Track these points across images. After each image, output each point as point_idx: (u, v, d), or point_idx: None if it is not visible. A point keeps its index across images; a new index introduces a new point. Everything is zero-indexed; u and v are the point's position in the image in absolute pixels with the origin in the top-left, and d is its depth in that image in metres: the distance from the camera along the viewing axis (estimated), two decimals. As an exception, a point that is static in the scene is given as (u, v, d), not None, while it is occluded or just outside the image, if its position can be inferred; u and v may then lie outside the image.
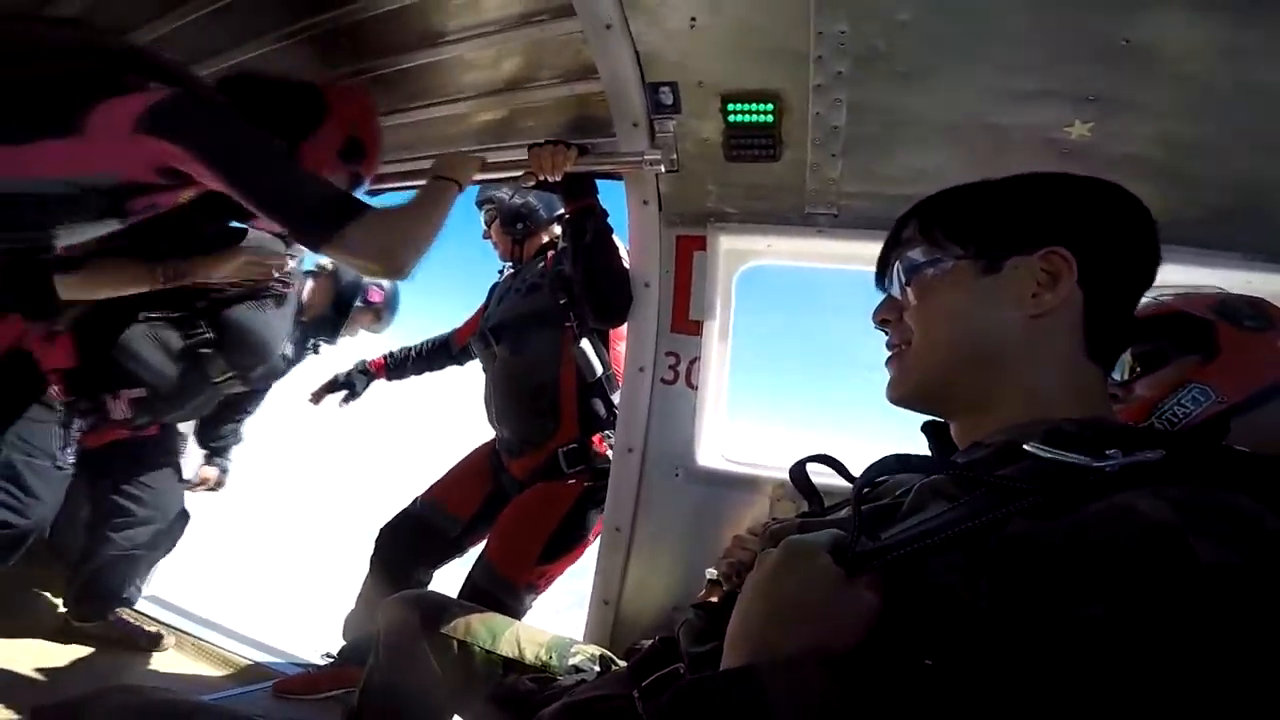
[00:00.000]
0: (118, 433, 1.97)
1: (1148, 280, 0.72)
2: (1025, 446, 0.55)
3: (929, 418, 0.79)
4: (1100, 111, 1.25)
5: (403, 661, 1.20)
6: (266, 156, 1.14)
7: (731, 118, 1.51)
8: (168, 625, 2.22)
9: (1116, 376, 1.17)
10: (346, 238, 1.12)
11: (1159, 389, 1.06)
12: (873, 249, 1.61)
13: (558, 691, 1.06)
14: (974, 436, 0.69)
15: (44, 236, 1.20)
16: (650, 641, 0.96)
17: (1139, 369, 1.14)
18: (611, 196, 1.86)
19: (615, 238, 1.88)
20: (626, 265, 1.88)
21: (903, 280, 0.76)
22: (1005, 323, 0.68)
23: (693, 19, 1.38)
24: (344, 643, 2.09)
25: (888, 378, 0.77)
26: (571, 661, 1.16)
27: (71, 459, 1.72)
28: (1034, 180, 0.74)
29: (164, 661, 2.08)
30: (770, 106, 1.47)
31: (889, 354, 0.78)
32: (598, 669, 1.15)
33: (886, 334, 0.78)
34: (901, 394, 0.75)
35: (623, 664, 1.14)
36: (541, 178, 1.70)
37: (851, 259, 1.72)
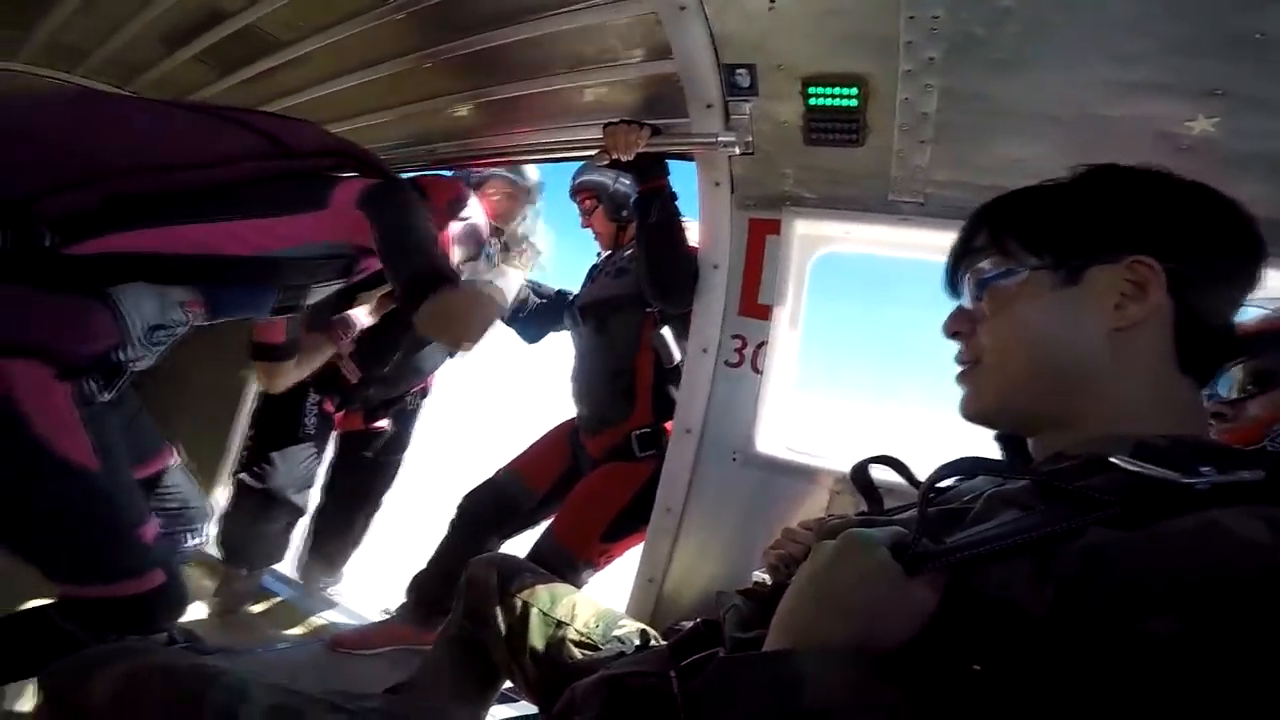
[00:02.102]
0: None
1: (1246, 290, 0.65)
2: (1112, 459, 0.52)
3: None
4: (1227, 107, 1.13)
5: (477, 617, 1.25)
6: (411, 223, 1.34)
7: (812, 100, 1.45)
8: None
9: (1224, 393, 1.08)
10: (427, 316, 1.28)
11: (1274, 410, 0.97)
12: (961, 240, 1.54)
13: (596, 663, 1.09)
14: (1056, 448, 0.64)
15: (304, 290, 1.52)
16: (691, 622, 0.96)
17: (1252, 387, 1.05)
18: (685, 177, 1.84)
19: (686, 220, 1.86)
20: (693, 249, 1.86)
21: (974, 292, 0.71)
22: (1086, 337, 0.63)
23: (771, 1, 1.33)
24: (403, 600, 2.18)
25: (961, 393, 0.72)
26: (615, 633, 1.18)
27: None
28: (1115, 179, 0.68)
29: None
30: (855, 90, 1.40)
31: (960, 369, 0.73)
32: (637, 643, 1.18)
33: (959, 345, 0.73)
34: (976, 413, 0.71)
35: (663, 642, 1.16)
36: (615, 156, 1.69)
37: (936, 249, 1.63)
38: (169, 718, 0.77)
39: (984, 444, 0.77)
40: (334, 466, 2.52)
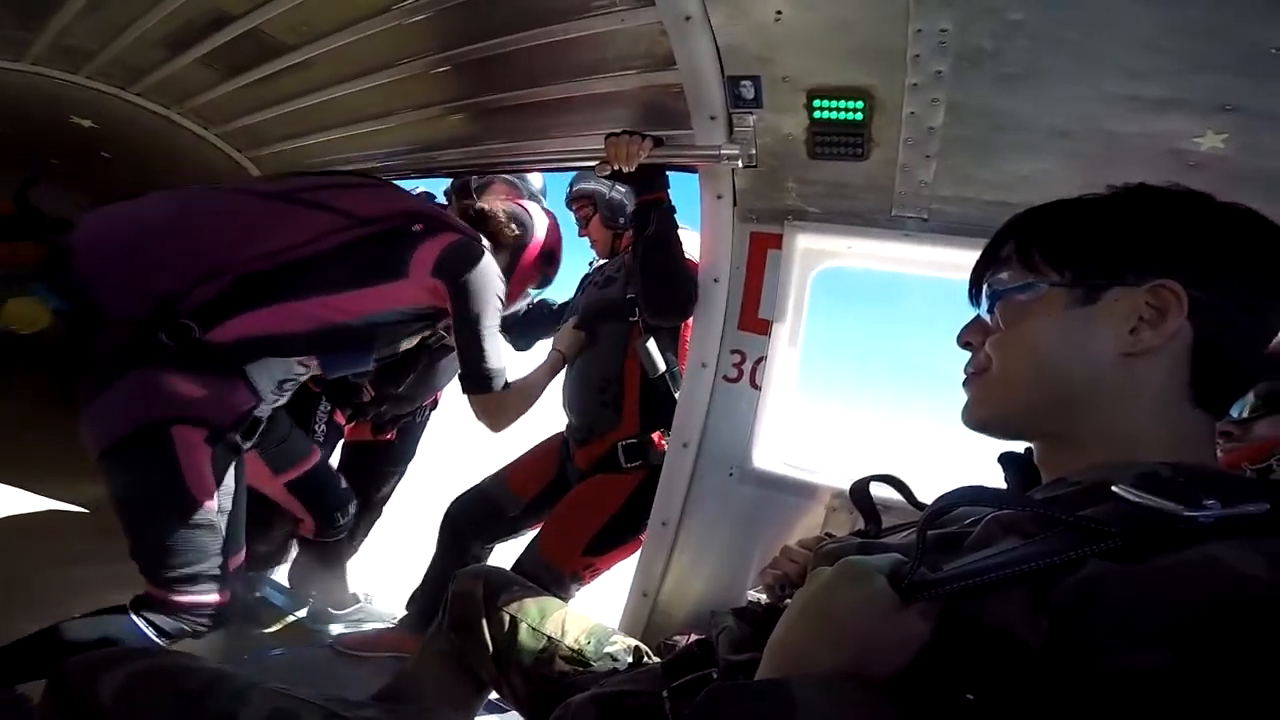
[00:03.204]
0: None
1: (1277, 323, 0.63)
2: (1114, 488, 0.51)
3: (1006, 446, 0.73)
4: (1237, 123, 1.12)
5: (462, 629, 1.24)
6: (482, 318, 1.59)
7: (817, 114, 1.44)
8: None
9: (1234, 413, 1.06)
10: (477, 401, 1.66)
11: None
12: (964, 256, 1.53)
13: (588, 680, 1.08)
14: (1059, 471, 0.63)
15: (391, 352, 1.80)
16: (685, 639, 0.96)
17: (1262, 407, 1.04)
18: (687, 189, 1.83)
19: (688, 231, 1.85)
20: (691, 264, 1.84)
21: (989, 304, 0.71)
22: (1094, 360, 0.62)
23: (778, 12, 1.32)
24: (405, 612, 2.20)
25: (965, 400, 0.72)
26: (607, 650, 1.17)
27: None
28: (1148, 199, 0.66)
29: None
30: (860, 104, 1.39)
31: (965, 375, 0.72)
32: (630, 660, 1.16)
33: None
34: (976, 421, 0.70)
35: (655, 659, 1.15)
36: (615, 167, 1.68)
37: (940, 265, 1.63)
38: (167, 715, 0.80)
39: (988, 459, 0.76)
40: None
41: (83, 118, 2.93)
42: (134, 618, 1.39)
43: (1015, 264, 0.68)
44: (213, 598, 1.44)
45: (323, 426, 2.33)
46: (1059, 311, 0.64)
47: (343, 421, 2.41)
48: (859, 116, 1.41)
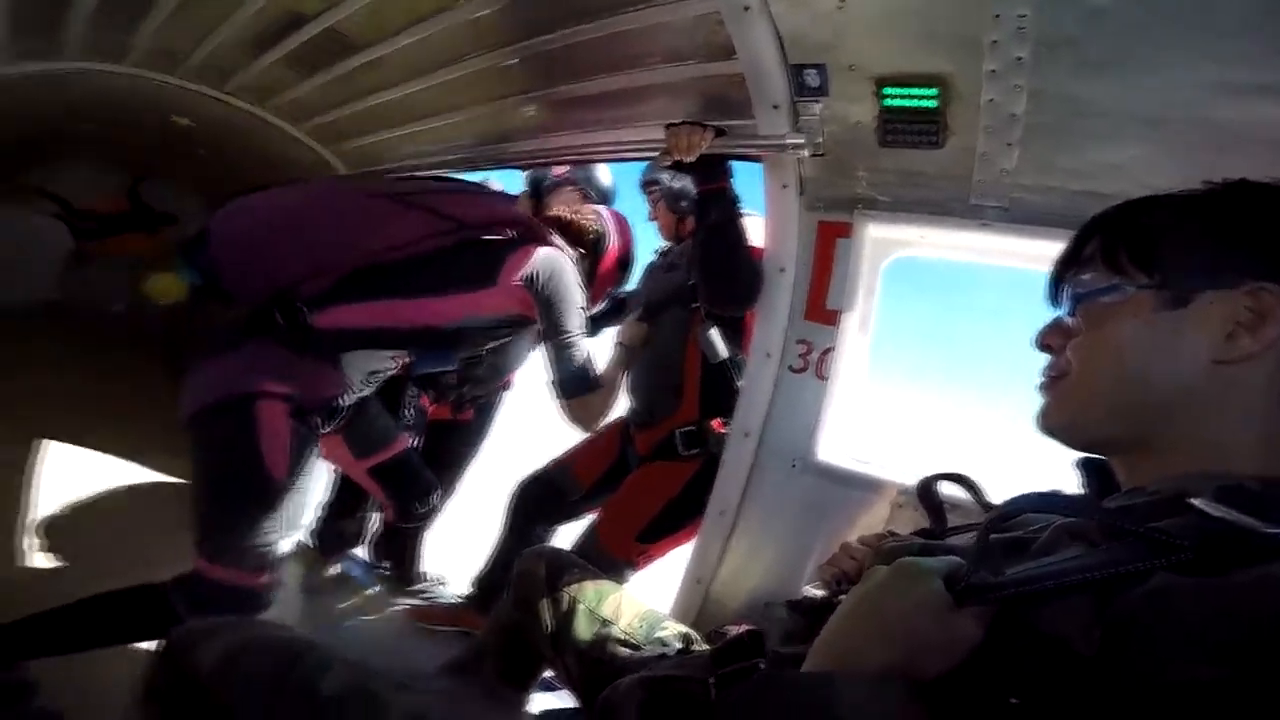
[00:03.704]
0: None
1: None
2: (1192, 501, 0.49)
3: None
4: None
5: (524, 607, 1.29)
6: (569, 326, 1.67)
7: (887, 101, 1.39)
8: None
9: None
10: (568, 405, 1.71)
11: None
12: (1047, 247, 1.46)
13: (637, 663, 1.11)
14: (1137, 480, 0.61)
15: (478, 354, 1.98)
16: (735, 629, 0.96)
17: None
18: (748, 178, 1.81)
19: (752, 219, 1.82)
20: (756, 250, 1.82)
21: (1072, 306, 0.68)
22: (1185, 367, 0.58)
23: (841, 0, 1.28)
24: (471, 590, 2.31)
25: (1040, 404, 0.69)
26: (657, 634, 1.20)
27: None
28: (1247, 196, 0.61)
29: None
30: (934, 91, 1.33)
31: (1043, 379, 0.69)
32: (679, 646, 1.18)
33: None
34: (1051, 427, 0.67)
35: (705, 646, 1.16)
36: (677, 158, 1.67)
37: (1021, 256, 1.56)
38: (260, 684, 0.85)
39: (1066, 461, 0.73)
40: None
41: (181, 117, 3.12)
42: (170, 597, 1.43)
43: (1100, 264, 0.65)
44: (255, 579, 1.48)
45: (411, 411, 2.44)
46: (1147, 315, 0.60)
47: (428, 404, 2.51)
48: (933, 104, 1.35)
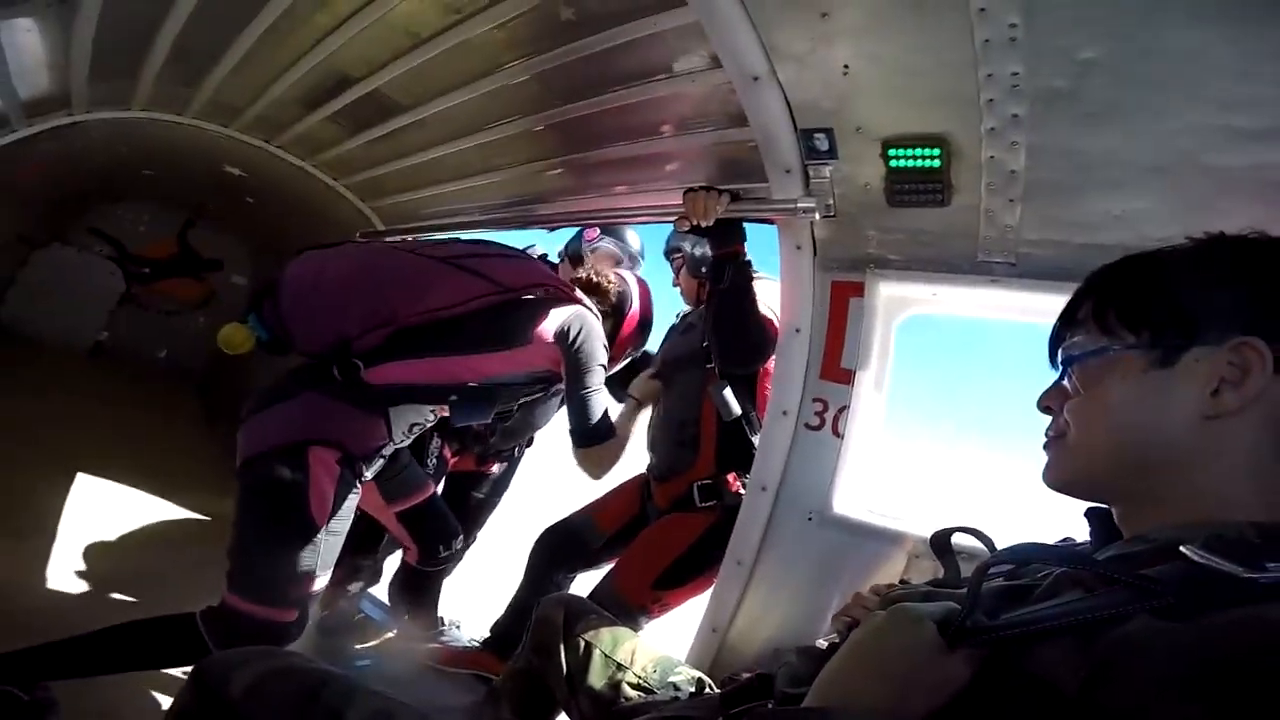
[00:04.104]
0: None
1: None
2: (1182, 549, 0.51)
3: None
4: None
5: (542, 651, 1.30)
6: (591, 380, 1.75)
7: (894, 163, 1.44)
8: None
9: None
10: (581, 453, 1.79)
11: None
12: (1057, 301, 1.46)
13: (650, 707, 1.12)
14: (1137, 528, 0.62)
15: (510, 408, 1.99)
16: (747, 675, 0.98)
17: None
18: (766, 239, 1.86)
19: (765, 282, 1.87)
20: (765, 316, 1.89)
21: (1064, 369, 0.70)
22: (1174, 424, 0.60)
23: (845, 66, 1.35)
24: (489, 635, 2.31)
25: (1045, 461, 0.71)
26: (671, 679, 1.21)
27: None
28: (1226, 250, 0.64)
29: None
30: (937, 151, 1.38)
31: (1046, 439, 0.72)
32: (692, 690, 1.19)
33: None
34: (1054, 484, 0.70)
35: (717, 691, 1.16)
36: (695, 222, 1.74)
37: (1031, 311, 1.56)
38: (287, 710, 0.87)
39: (1078, 509, 0.74)
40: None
41: (233, 166, 3.32)
42: (200, 627, 1.50)
43: (1091, 326, 0.67)
44: (284, 616, 1.55)
45: (434, 460, 2.50)
46: (1137, 375, 0.62)
47: (450, 455, 2.57)
48: (936, 163, 1.40)
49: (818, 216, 1.61)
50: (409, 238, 2.87)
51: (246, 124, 2.82)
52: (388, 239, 3.12)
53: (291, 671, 0.92)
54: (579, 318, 1.79)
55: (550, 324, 1.76)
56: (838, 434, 1.73)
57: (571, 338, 1.75)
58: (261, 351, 1.82)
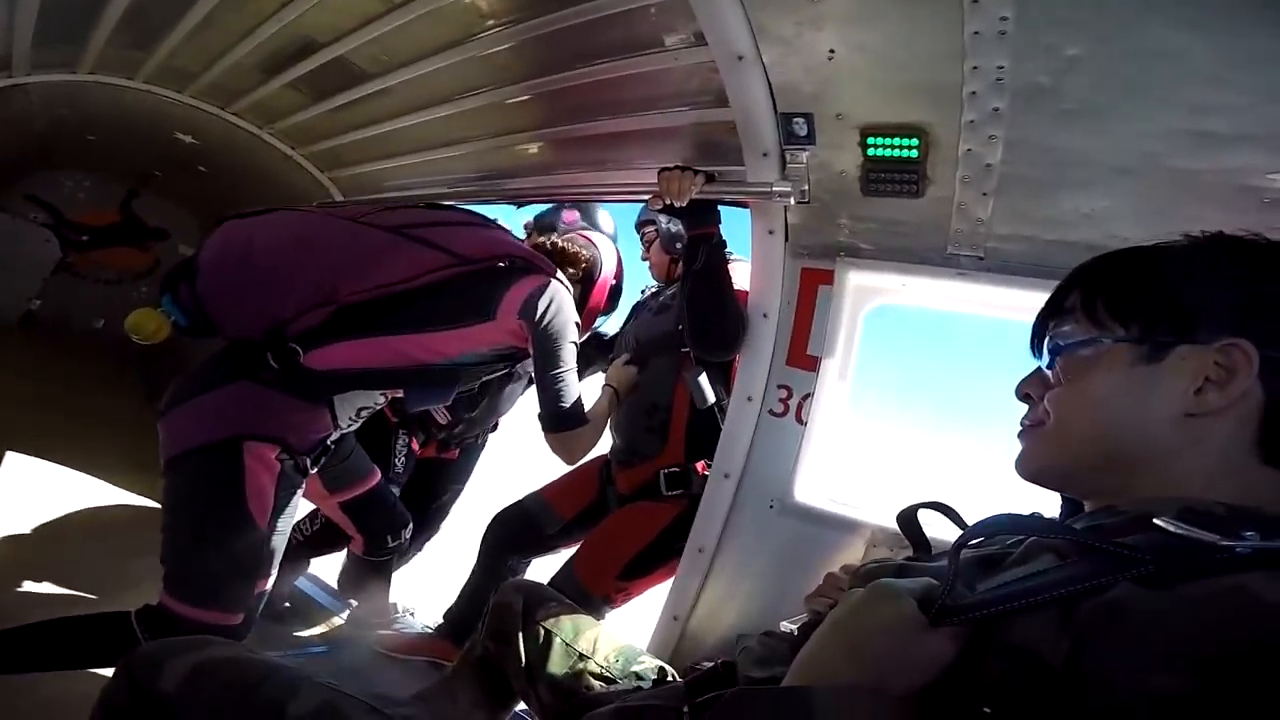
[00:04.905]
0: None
1: None
2: (1156, 519, 0.51)
3: None
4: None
5: (499, 639, 1.27)
6: (563, 360, 1.63)
7: (871, 151, 1.45)
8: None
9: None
10: (554, 438, 1.67)
11: None
12: (1023, 296, 1.49)
13: (612, 696, 1.10)
14: (1108, 502, 0.62)
15: (471, 388, 1.91)
16: (710, 663, 0.96)
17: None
18: (738, 222, 1.86)
19: (738, 264, 1.86)
20: (741, 295, 1.86)
21: (1050, 357, 0.70)
22: (1154, 420, 0.60)
23: (831, 51, 1.34)
24: (442, 622, 2.24)
25: (1019, 450, 0.71)
26: (634, 669, 1.19)
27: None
28: (1222, 250, 0.64)
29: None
30: (915, 141, 1.39)
31: (1022, 427, 0.72)
32: (654, 679, 1.18)
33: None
34: (1028, 473, 0.70)
35: (680, 680, 1.15)
36: (668, 201, 1.71)
37: (996, 305, 1.60)
38: (225, 706, 0.83)
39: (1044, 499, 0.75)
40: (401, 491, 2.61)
41: (185, 133, 3.17)
42: (135, 626, 1.40)
43: (1080, 316, 0.67)
44: (229, 619, 1.44)
45: (402, 459, 2.43)
46: (1123, 368, 0.62)
47: (417, 447, 2.50)
48: (914, 154, 1.41)
49: (792, 202, 1.61)
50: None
51: (201, 89, 2.68)
52: (326, 205, 2.99)
53: (229, 662, 0.87)
54: (550, 292, 1.63)
55: (516, 297, 1.60)
56: (801, 421, 1.74)
57: (540, 313, 1.59)
58: (182, 337, 1.64)
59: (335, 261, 1.61)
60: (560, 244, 1.99)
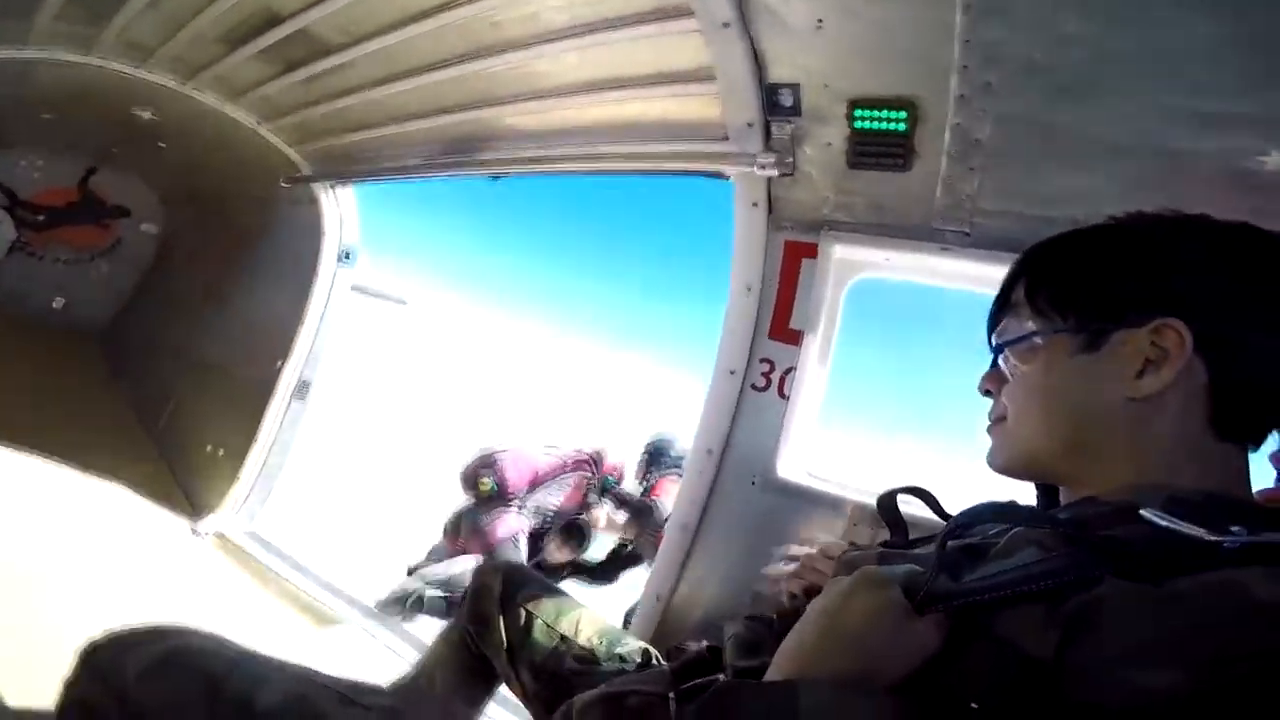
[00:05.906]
0: None
1: None
2: (1142, 512, 0.51)
3: None
4: (1306, 141, 1.06)
5: (479, 621, 1.25)
6: None
7: (859, 124, 1.42)
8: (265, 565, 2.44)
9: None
10: None
11: None
12: (1005, 272, 1.48)
13: (596, 679, 1.09)
14: (1088, 492, 0.62)
15: None
16: (695, 644, 0.96)
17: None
18: (722, 192, 1.81)
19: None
20: None
21: (997, 351, 0.71)
22: (1104, 407, 0.60)
23: (819, 20, 1.30)
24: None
25: (989, 446, 0.72)
26: (617, 650, 1.18)
27: None
28: (1142, 230, 0.64)
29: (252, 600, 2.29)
30: (904, 114, 1.36)
31: (989, 423, 0.72)
32: (639, 661, 1.18)
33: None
34: (996, 467, 0.71)
35: (664, 662, 1.15)
36: None
37: (982, 281, 1.57)
38: (192, 696, 0.80)
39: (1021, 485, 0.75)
40: None
41: (144, 109, 3.05)
42: None
43: (1024, 309, 0.68)
44: None
45: None
46: (1065, 359, 0.63)
47: None
48: (902, 127, 1.38)
49: (776, 174, 1.58)
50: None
51: (160, 63, 2.57)
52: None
53: (195, 652, 0.84)
54: None
55: None
56: (783, 395, 1.73)
57: None
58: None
59: None
60: None
